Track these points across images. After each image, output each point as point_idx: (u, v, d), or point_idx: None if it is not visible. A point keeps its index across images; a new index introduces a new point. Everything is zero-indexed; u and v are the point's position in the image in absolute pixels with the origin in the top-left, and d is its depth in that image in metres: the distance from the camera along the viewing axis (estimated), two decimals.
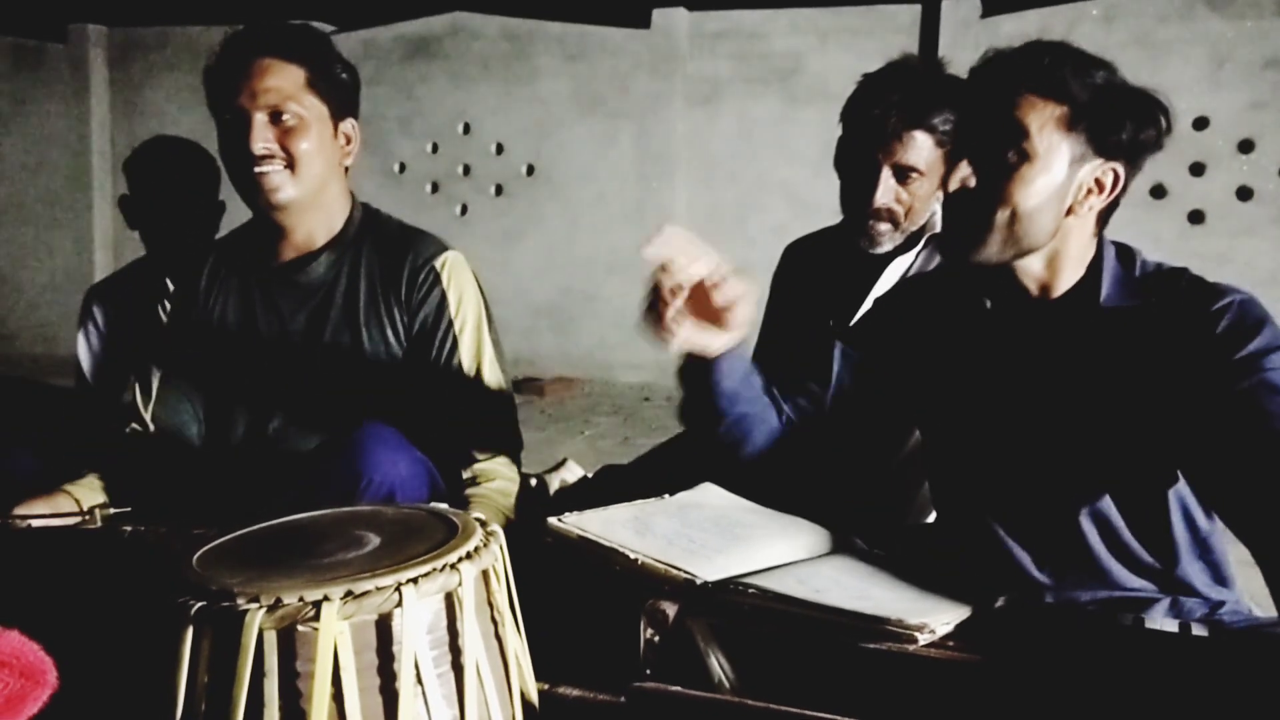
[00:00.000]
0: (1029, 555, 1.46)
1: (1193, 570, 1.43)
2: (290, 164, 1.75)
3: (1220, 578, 1.45)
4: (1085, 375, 1.41)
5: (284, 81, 1.74)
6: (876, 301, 1.77)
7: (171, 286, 1.95)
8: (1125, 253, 1.46)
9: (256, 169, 1.73)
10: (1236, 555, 1.45)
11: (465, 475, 1.83)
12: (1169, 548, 1.42)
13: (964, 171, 1.38)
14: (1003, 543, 1.47)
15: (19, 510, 1.63)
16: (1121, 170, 1.37)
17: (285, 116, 1.74)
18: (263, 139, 1.72)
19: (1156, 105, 1.37)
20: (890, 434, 1.82)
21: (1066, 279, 1.43)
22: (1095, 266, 1.43)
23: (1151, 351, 1.37)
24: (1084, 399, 1.41)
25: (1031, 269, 1.43)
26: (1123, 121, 1.34)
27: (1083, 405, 1.41)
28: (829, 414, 1.66)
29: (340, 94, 1.84)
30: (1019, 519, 1.47)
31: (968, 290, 1.53)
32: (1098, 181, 1.37)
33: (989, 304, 1.50)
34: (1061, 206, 1.37)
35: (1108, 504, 1.41)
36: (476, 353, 1.87)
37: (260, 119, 1.73)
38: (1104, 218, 1.43)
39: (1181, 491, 1.40)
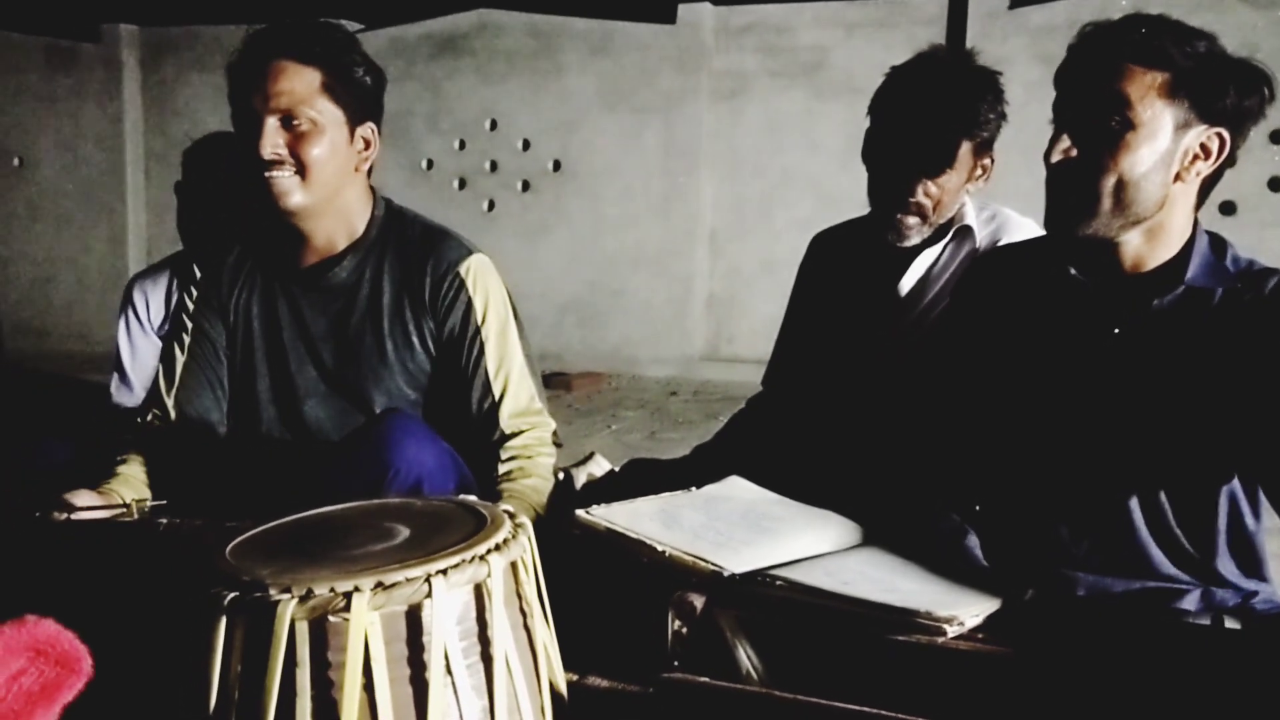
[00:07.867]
0: (1070, 534, 1.46)
1: (1230, 563, 1.42)
2: (300, 170, 1.72)
3: (1256, 572, 1.44)
4: (1159, 355, 1.41)
5: (298, 85, 1.70)
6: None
7: (199, 274, 1.94)
8: (1218, 242, 1.46)
9: (266, 173, 1.70)
10: (1271, 549, 1.44)
11: (499, 470, 1.82)
12: (1210, 539, 1.41)
13: (1065, 144, 1.39)
14: (1046, 519, 1.47)
15: (62, 500, 1.63)
16: (1227, 135, 1.38)
17: (297, 121, 1.70)
18: (272, 143, 1.69)
19: (1260, 73, 1.38)
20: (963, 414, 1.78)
21: (1160, 254, 1.44)
22: (1188, 247, 1.43)
23: (1224, 341, 1.37)
24: (1154, 379, 1.41)
25: (1132, 241, 1.43)
26: (1225, 87, 1.35)
27: (1152, 385, 1.41)
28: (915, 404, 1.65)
29: (359, 97, 1.79)
30: (1068, 495, 1.46)
31: (1056, 259, 1.52)
32: (1203, 147, 1.38)
33: (1074, 272, 1.49)
34: (1169, 173, 1.38)
35: (1159, 490, 1.41)
36: (503, 357, 1.85)
37: (271, 123, 1.69)
38: (1208, 186, 1.44)
39: (1233, 487, 1.40)
